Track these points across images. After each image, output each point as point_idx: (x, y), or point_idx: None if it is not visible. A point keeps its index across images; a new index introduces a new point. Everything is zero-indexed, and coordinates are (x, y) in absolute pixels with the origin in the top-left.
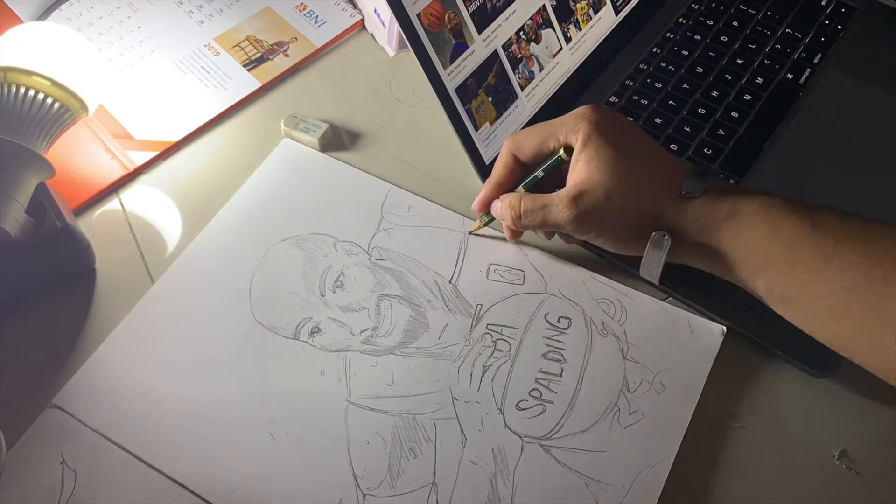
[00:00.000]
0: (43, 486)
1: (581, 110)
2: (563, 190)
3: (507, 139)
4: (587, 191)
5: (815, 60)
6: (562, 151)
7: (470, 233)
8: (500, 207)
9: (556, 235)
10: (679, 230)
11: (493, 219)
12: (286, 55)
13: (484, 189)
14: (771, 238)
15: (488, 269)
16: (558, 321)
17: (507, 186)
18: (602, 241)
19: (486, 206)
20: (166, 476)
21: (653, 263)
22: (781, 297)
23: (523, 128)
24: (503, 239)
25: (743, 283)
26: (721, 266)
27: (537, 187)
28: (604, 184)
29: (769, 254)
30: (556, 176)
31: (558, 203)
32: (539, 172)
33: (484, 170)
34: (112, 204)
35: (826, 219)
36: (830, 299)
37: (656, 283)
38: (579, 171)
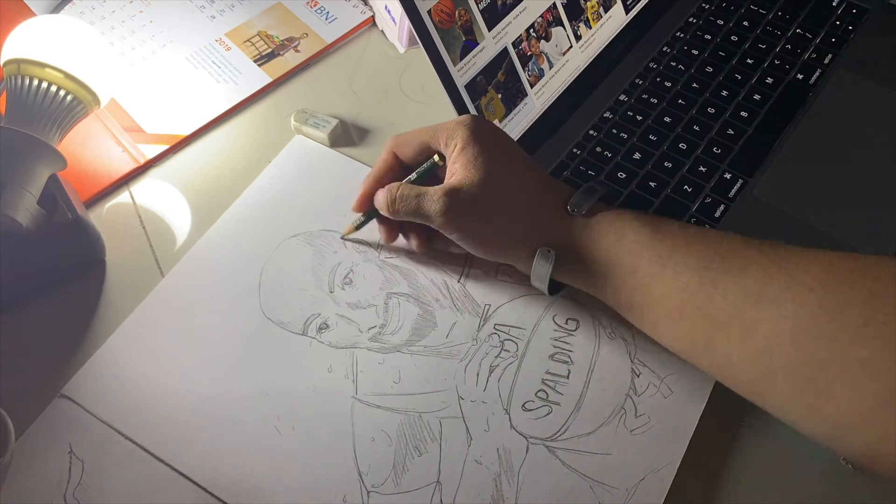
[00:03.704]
0: (50, 475)
1: (461, 118)
2: (439, 186)
3: (390, 138)
4: (462, 188)
5: (826, 61)
6: (436, 157)
7: (342, 237)
8: (377, 196)
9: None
10: (561, 246)
11: (366, 221)
12: (297, 51)
13: (362, 185)
14: (616, 245)
15: (497, 269)
16: (566, 323)
17: (383, 182)
18: (469, 242)
19: (364, 204)
20: (172, 468)
21: (541, 276)
22: (627, 304)
23: (531, 127)
24: (374, 245)
25: (599, 294)
26: (583, 279)
27: None
28: (479, 185)
29: (613, 261)
30: (431, 181)
31: (433, 194)
32: (413, 175)
33: None
34: (123, 197)
35: (667, 227)
36: (668, 302)
37: (546, 292)
38: (457, 173)
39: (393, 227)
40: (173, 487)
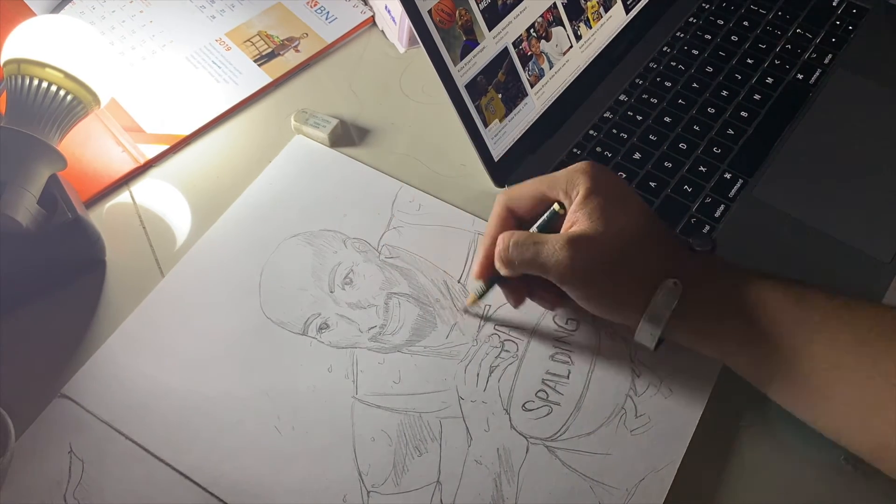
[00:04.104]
0: (50, 474)
1: (579, 165)
2: (559, 233)
3: (500, 193)
4: (586, 237)
5: (826, 61)
6: (556, 205)
7: (465, 310)
8: (496, 251)
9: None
10: (687, 279)
11: (489, 288)
12: (297, 51)
13: (479, 249)
14: (754, 312)
15: None
16: (567, 323)
17: None
18: (589, 296)
19: (486, 269)
20: (172, 468)
21: (659, 315)
22: (767, 377)
23: (531, 127)
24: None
25: (729, 359)
26: (710, 341)
27: None
28: (605, 235)
29: (751, 329)
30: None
31: (554, 243)
32: (533, 228)
33: (493, 167)
34: (123, 197)
35: (812, 296)
36: (817, 379)
37: (651, 347)
38: (579, 222)
39: (518, 288)
40: (173, 487)
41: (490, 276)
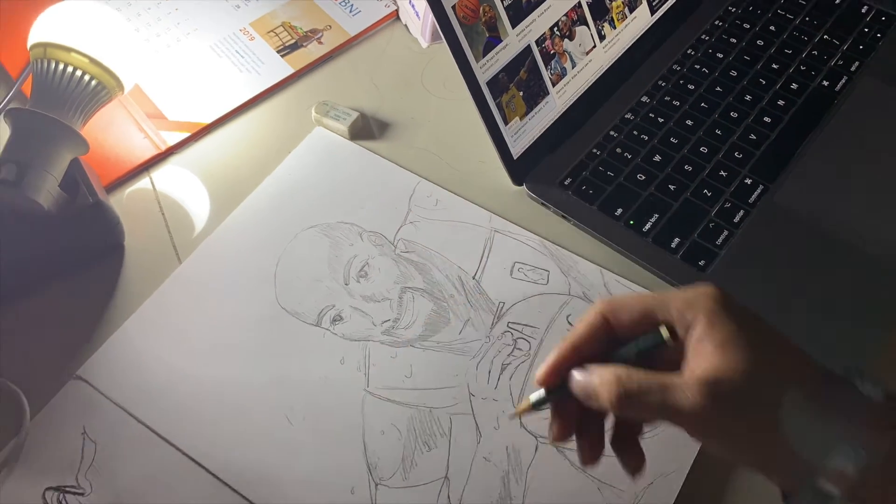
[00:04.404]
0: (64, 455)
1: (702, 288)
2: (688, 372)
3: (600, 300)
4: (724, 378)
5: (853, 68)
6: (663, 329)
7: (511, 417)
8: (591, 380)
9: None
10: (868, 444)
11: (550, 400)
12: (320, 42)
13: (555, 352)
14: None
15: (512, 268)
16: None
17: (584, 355)
18: (728, 448)
19: (553, 377)
20: (184, 454)
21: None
22: None
23: (552, 125)
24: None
25: None
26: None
27: None
28: (747, 374)
29: None
30: (644, 363)
31: (685, 387)
32: (631, 348)
33: (512, 165)
34: (143, 183)
35: None
36: None
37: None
38: (708, 355)
39: (570, 422)
40: (184, 472)
41: (556, 387)
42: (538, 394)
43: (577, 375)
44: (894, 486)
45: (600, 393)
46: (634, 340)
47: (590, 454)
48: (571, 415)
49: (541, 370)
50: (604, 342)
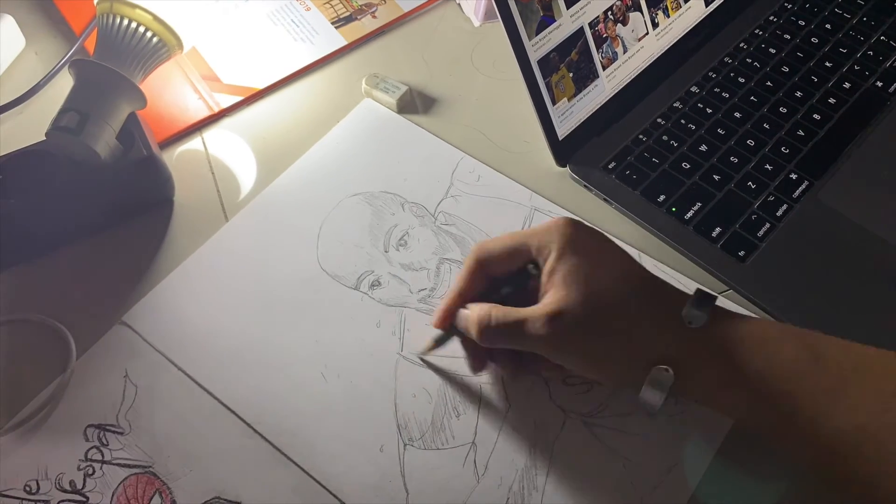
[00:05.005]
0: (106, 395)
1: (553, 222)
2: (538, 306)
3: (474, 246)
4: (566, 310)
5: None
6: (530, 266)
7: (419, 355)
8: (466, 316)
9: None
10: (681, 362)
11: (445, 339)
12: (374, 16)
13: (444, 300)
14: (766, 370)
15: None
16: None
17: (469, 298)
18: (579, 367)
19: (447, 320)
20: (220, 402)
21: (652, 400)
22: (781, 435)
23: (599, 109)
24: (447, 374)
25: (737, 417)
26: (715, 399)
27: (504, 304)
28: (584, 304)
29: (764, 388)
30: (522, 293)
31: (534, 320)
32: (505, 289)
33: (557, 146)
34: (195, 143)
35: (827, 350)
36: (839, 442)
37: (654, 415)
38: (556, 289)
39: (480, 353)
40: (219, 419)
41: (451, 328)
42: (437, 334)
43: (459, 316)
44: (710, 391)
45: (470, 328)
46: (506, 281)
47: (510, 373)
48: (478, 352)
49: (434, 315)
50: (483, 284)
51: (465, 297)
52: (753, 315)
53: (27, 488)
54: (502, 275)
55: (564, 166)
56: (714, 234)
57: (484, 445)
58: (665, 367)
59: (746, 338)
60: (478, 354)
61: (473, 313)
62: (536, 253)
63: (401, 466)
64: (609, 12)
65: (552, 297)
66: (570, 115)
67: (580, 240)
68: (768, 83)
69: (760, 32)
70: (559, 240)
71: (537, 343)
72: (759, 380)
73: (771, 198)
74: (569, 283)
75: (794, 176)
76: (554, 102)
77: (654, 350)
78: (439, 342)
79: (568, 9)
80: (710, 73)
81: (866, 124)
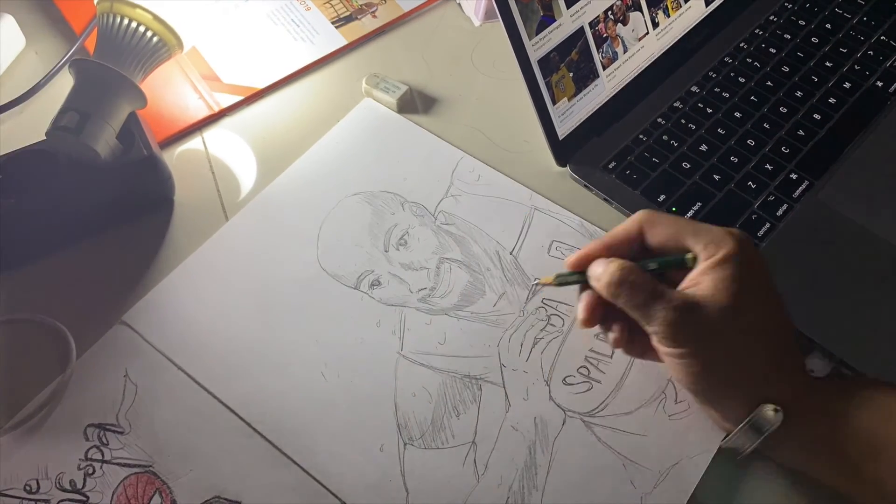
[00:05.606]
0: (106, 395)
1: (733, 230)
2: (679, 291)
3: (643, 210)
4: (704, 307)
5: None
6: (689, 255)
7: (535, 284)
8: (603, 265)
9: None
10: (793, 409)
11: (572, 282)
12: (374, 16)
13: (589, 245)
14: (885, 426)
15: (550, 246)
16: None
17: (613, 252)
18: (685, 369)
19: (581, 264)
20: (220, 401)
21: (750, 438)
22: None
23: (599, 108)
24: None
25: (846, 481)
26: (822, 458)
27: None
28: (725, 311)
29: (883, 445)
30: (660, 277)
31: (669, 299)
32: (652, 262)
33: (557, 145)
34: (195, 142)
35: None
36: None
37: (740, 455)
38: (705, 286)
39: (597, 309)
40: (219, 419)
41: (581, 273)
42: (565, 273)
43: (596, 262)
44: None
45: (602, 276)
46: (662, 257)
47: (617, 342)
48: (596, 307)
49: (572, 256)
50: (635, 249)
51: (610, 250)
52: (883, 379)
53: (27, 488)
54: (657, 250)
55: (565, 166)
56: None
57: (484, 445)
58: (776, 406)
59: (872, 396)
60: (593, 310)
61: (615, 264)
62: (702, 247)
63: (401, 466)
64: (609, 12)
65: (700, 290)
66: (571, 114)
67: (749, 255)
68: (768, 83)
69: (760, 32)
70: (734, 246)
71: (661, 323)
72: (882, 438)
73: (771, 198)
74: (721, 289)
75: (794, 176)
76: (554, 102)
77: (768, 387)
78: (562, 282)
79: (568, 8)
80: (711, 73)
81: (866, 124)
